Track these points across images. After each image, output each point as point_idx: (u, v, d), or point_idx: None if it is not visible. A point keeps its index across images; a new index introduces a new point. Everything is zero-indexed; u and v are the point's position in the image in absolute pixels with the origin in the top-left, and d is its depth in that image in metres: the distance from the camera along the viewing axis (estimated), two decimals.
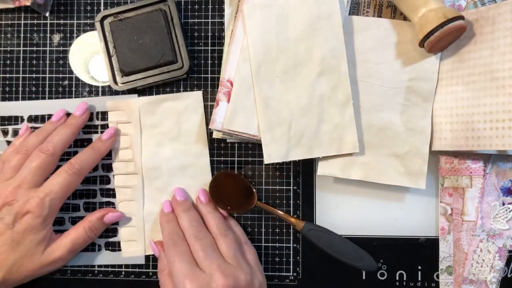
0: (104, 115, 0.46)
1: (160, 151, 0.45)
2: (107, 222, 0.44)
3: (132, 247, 0.45)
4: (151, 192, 0.45)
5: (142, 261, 0.45)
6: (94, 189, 0.46)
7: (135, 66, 0.44)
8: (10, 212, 0.39)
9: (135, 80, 0.44)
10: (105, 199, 0.46)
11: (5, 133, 0.46)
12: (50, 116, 0.46)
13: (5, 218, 0.39)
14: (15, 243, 0.39)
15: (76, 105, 0.45)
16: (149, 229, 0.45)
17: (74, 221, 0.45)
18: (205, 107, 0.45)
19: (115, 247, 0.46)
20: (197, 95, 0.45)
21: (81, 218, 0.45)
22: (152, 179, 0.45)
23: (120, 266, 0.46)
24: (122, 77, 0.44)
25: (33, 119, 0.46)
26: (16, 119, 0.46)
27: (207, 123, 0.45)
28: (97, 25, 0.44)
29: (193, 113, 0.45)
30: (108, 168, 0.46)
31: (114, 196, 0.46)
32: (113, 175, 0.46)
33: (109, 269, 0.46)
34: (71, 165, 0.41)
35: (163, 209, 0.44)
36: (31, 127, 0.45)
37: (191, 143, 0.45)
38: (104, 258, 0.45)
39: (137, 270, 0.46)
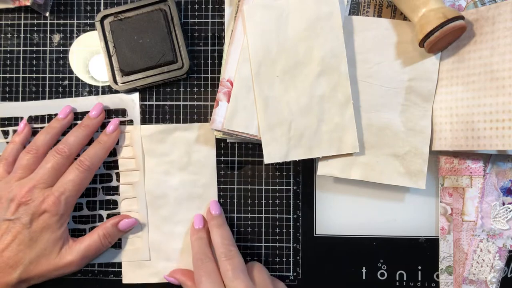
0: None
1: (167, 180, 0.45)
2: (122, 229, 0.44)
3: (135, 274, 0.45)
4: (156, 220, 0.45)
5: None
6: (95, 188, 0.46)
7: (135, 66, 0.44)
8: (27, 212, 0.40)
9: (135, 80, 0.44)
10: (107, 197, 0.46)
11: (6, 133, 0.46)
12: (50, 116, 0.46)
13: (22, 218, 0.40)
14: (32, 241, 0.40)
15: (80, 104, 0.45)
16: (154, 256, 0.45)
17: (79, 221, 0.46)
18: (205, 107, 0.45)
19: (115, 245, 0.46)
20: (209, 125, 0.45)
21: (84, 216, 0.45)
22: (157, 208, 0.45)
23: (120, 265, 0.46)
24: (122, 76, 0.44)
25: (33, 119, 0.46)
26: (16, 120, 0.46)
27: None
28: (97, 25, 0.44)
29: (204, 144, 0.45)
30: (109, 166, 0.46)
31: (117, 193, 0.46)
32: (115, 172, 0.46)
33: (109, 269, 0.46)
34: (81, 162, 0.42)
35: (194, 224, 0.44)
36: (32, 128, 0.45)
37: (200, 173, 0.45)
38: (105, 255, 0.45)
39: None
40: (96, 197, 0.46)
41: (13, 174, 0.41)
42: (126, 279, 0.45)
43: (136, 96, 0.45)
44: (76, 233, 0.46)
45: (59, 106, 0.45)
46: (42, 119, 0.46)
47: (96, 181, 0.46)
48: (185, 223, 0.45)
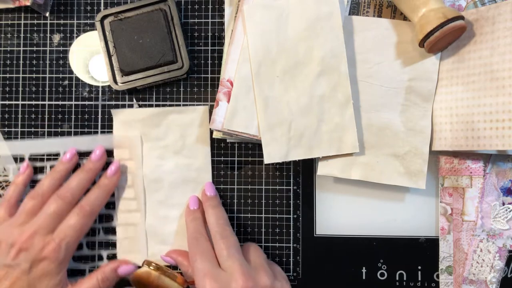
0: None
1: (162, 164, 0.45)
2: (121, 274, 0.43)
3: (130, 258, 0.45)
4: (151, 204, 0.45)
5: None
6: (94, 228, 0.46)
7: (135, 65, 0.44)
8: (27, 258, 0.39)
9: (135, 79, 0.44)
10: (108, 237, 0.46)
11: (5, 171, 0.46)
12: (49, 154, 0.46)
13: (21, 264, 0.39)
14: None
15: (82, 143, 0.45)
16: (150, 240, 0.45)
17: (79, 260, 0.46)
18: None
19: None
20: (204, 109, 0.45)
21: (83, 257, 0.45)
22: (152, 192, 0.45)
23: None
24: (122, 76, 0.44)
25: (33, 158, 0.46)
26: (16, 159, 0.46)
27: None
28: (97, 24, 0.44)
29: (199, 127, 0.45)
30: (110, 207, 0.46)
31: (115, 233, 0.46)
32: (116, 214, 0.45)
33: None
34: (82, 207, 0.42)
35: (189, 205, 0.44)
36: (33, 166, 0.45)
37: (193, 157, 0.45)
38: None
39: None
40: (96, 237, 0.46)
41: (16, 219, 0.41)
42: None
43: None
44: (76, 273, 0.45)
45: (61, 144, 0.45)
46: (41, 159, 0.46)
47: (96, 220, 0.45)
48: (180, 206, 0.45)
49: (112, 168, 0.44)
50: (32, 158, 0.46)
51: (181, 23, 0.45)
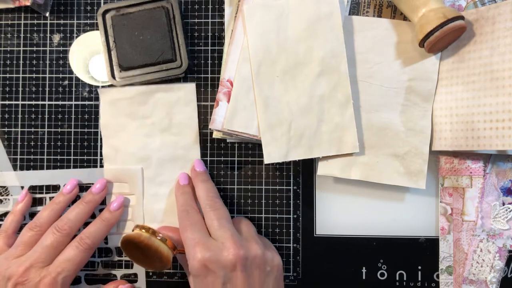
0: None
1: (150, 142, 0.45)
2: None
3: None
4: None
5: None
6: (94, 261, 0.46)
7: (133, 61, 0.43)
8: None
9: (133, 76, 0.44)
10: (105, 271, 0.46)
11: (6, 201, 0.46)
12: (48, 186, 0.46)
13: None
14: None
15: (84, 176, 0.45)
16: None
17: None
18: (205, 107, 0.45)
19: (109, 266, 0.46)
20: (191, 87, 0.45)
21: None
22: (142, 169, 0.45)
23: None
24: (121, 72, 0.44)
25: (32, 188, 0.46)
26: (15, 189, 0.46)
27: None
28: (99, 18, 0.44)
29: (185, 105, 0.45)
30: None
31: (114, 267, 0.46)
32: (115, 247, 0.45)
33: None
34: (82, 240, 0.41)
35: (179, 181, 0.43)
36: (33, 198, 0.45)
37: (181, 135, 0.45)
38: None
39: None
40: (95, 271, 0.45)
41: (13, 250, 0.41)
42: (112, 242, 0.45)
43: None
44: None
45: (61, 177, 0.45)
46: (40, 188, 0.46)
47: (95, 255, 0.46)
48: (169, 184, 0.45)
49: (115, 204, 0.43)
50: (31, 191, 0.46)
51: (182, 22, 0.45)
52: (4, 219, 0.44)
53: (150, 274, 0.46)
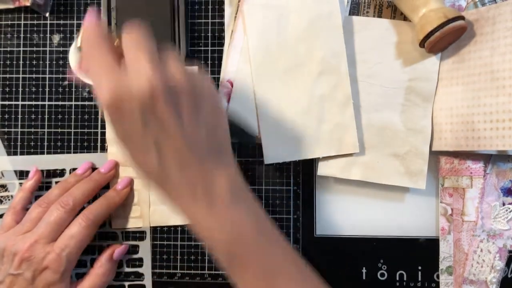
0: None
1: None
2: (116, 259, 0.44)
3: (122, 221, 0.45)
4: None
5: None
6: (101, 245, 0.45)
7: None
8: (29, 268, 0.39)
9: None
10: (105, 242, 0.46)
11: (5, 188, 0.46)
12: (55, 170, 0.46)
13: (24, 274, 0.39)
14: None
15: (91, 160, 0.45)
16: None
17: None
18: None
19: None
20: (194, 70, 0.45)
21: None
22: None
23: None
24: None
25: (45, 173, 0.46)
26: (21, 174, 0.46)
27: None
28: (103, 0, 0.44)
29: None
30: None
31: (114, 238, 0.46)
32: (121, 231, 0.45)
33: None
34: (84, 216, 0.41)
35: None
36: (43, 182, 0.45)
37: None
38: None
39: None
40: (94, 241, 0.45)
41: (20, 226, 0.41)
42: (116, 226, 0.45)
43: None
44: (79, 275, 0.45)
45: (66, 162, 0.45)
46: (47, 174, 0.46)
47: (100, 239, 0.45)
48: None
49: (122, 183, 0.43)
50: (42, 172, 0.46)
51: (185, 15, 0.44)
52: (14, 196, 0.44)
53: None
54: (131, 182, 0.44)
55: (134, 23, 0.31)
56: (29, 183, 0.44)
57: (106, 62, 0.29)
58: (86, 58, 0.30)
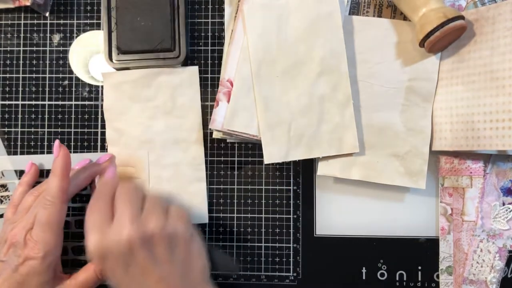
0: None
1: (153, 125, 0.45)
2: None
3: None
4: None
5: None
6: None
7: (132, 46, 0.43)
8: (14, 253, 0.39)
9: (130, 60, 0.44)
10: None
11: (5, 188, 0.46)
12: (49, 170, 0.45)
13: (10, 261, 0.39)
14: (20, 285, 0.38)
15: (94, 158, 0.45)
16: None
17: (78, 264, 0.44)
18: (205, 107, 0.45)
19: None
20: (193, 69, 0.45)
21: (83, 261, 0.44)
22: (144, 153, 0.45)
23: None
24: (118, 54, 0.44)
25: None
26: (22, 173, 0.45)
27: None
28: None
29: (188, 88, 0.45)
30: None
31: None
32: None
33: None
34: (43, 198, 0.39)
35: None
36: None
37: (184, 117, 0.45)
38: None
39: None
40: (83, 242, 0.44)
41: (15, 216, 0.41)
42: None
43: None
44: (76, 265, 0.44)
45: (73, 161, 0.44)
46: (41, 173, 0.46)
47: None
48: (171, 166, 0.45)
49: (109, 173, 0.42)
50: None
51: (186, 14, 0.44)
52: (13, 192, 0.44)
53: None
54: (112, 157, 0.44)
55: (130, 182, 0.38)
56: (27, 177, 0.44)
57: (99, 218, 0.35)
58: (88, 210, 0.36)
